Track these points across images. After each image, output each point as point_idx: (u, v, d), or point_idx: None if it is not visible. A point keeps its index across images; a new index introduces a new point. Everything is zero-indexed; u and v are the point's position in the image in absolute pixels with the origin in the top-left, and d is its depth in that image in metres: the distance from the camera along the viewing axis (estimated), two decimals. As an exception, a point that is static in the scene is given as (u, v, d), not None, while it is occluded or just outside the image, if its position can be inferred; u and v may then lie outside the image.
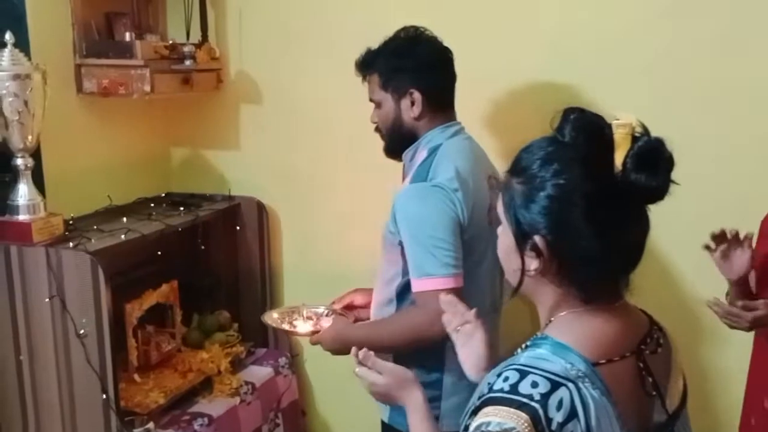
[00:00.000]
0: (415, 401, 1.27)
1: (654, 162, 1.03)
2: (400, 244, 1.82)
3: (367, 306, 2.12)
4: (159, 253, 2.45)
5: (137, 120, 2.72)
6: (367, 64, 1.95)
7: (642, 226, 1.07)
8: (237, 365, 2.57)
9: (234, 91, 2.75)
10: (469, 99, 2.03)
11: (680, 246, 2.14)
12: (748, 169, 2.14)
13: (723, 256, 1.83)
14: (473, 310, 1.41)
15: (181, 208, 2.56)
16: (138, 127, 2.73)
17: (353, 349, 1.39)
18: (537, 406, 0.96)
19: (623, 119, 1.05)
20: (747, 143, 2.13)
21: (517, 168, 1.10)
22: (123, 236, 2.20)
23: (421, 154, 1.90)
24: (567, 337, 1.05)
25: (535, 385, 0.98)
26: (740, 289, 1.84)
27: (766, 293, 1.81)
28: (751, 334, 1.95)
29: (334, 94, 2.57)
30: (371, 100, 1.97)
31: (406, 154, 1.95)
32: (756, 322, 1.76)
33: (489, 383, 1.03)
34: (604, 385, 1.00)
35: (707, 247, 1.84)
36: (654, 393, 1.08)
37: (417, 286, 1.78)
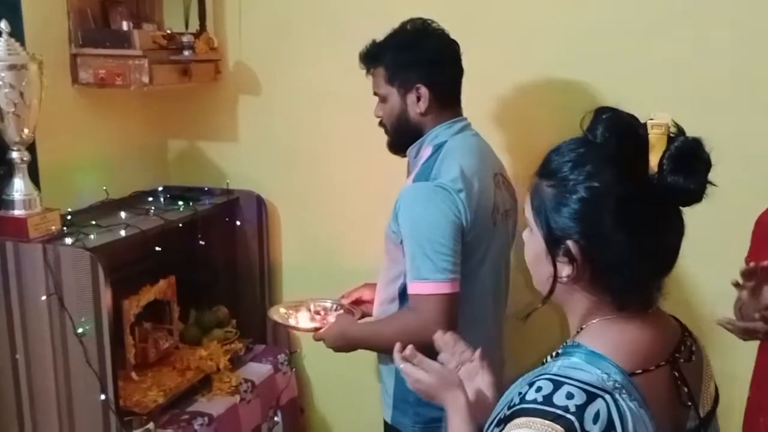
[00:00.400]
0: (457, 403, 1.23)
1: (692, 163, 0.99)
2: (402, 243, 1.79)
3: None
4: (157, 248, 2.40)
5: (134, 111, 2.65)
6: (373, 57, 1.90)
7: (677, 229, 1.04)
8: (236, 362, 2.53)
9: (232, 82, 2.69)
10: (477, 94, 1.99)
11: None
12: None
13: (752, 293, 1.68)
14: (478, 351, 1.36)
15: (180, 202, 2.50)
16: (135, 119, 2.67)
17: (397, 346, 1.36)
18: (573, 418, 0.92)
19: (658, 119, 1.01)
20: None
21: (546, 170, 1.06)
22: (122, 232, 2.14)
23: (426, 151, 1.87)
24: (600, 346, 1.01)
25: (570, 396, 0.94)
26: None
27: None
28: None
29: (336, 86, 2.52)
30: (376, 93, 1.93)
31: (411, 150, 1.91)
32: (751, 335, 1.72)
33: (520, 392, 0.99)
34: (641, 396, 0.97)
35: (736, 284, 1.70)
36: (689, 403, 1.06)
37: (412, 288, 1.75)
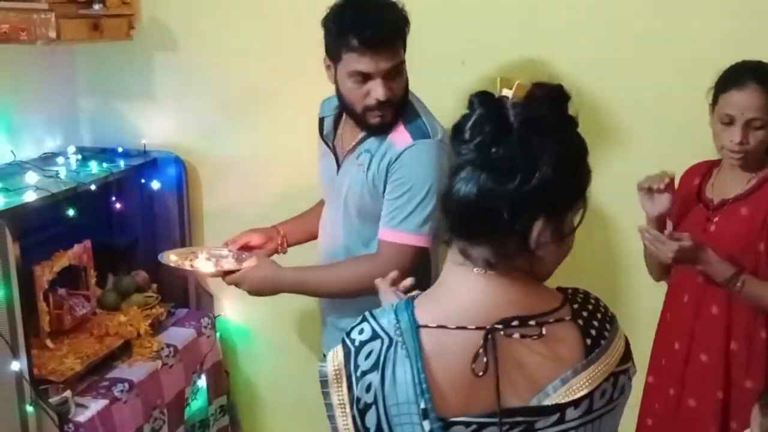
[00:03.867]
0: None
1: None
2: (383, 194, 1.85)
3: (263, 245, 2.15)
4: (70, 212, 2.30)
5: (41, 69, 2.53)
6: (399, 31, 1.83)
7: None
8: (157, 327, 2.48)
9: (147, 39, 2.59)
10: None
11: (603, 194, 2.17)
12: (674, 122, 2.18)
13: (648, 192, 1.89)
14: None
15: (93, 163, 2.41)
16: (42, 77, 2.54)
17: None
18: (352, 349, 1.03)
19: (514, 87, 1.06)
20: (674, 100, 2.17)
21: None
22: (31, 195, 2.05)
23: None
24: (423, 296, 1.08)
25: (361, 331, 1.05)
26: (658, 228, 1.90)
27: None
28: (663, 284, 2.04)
29: (257, 43, 2.46)
30: (392, 70, 1.80)
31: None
32: (679, 254, 1.82)
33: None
34: (416, 348, 0.98)
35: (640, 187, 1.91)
36: (481, 374, 0.98)
37: (388, 235, 1.83)
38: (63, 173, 2.29)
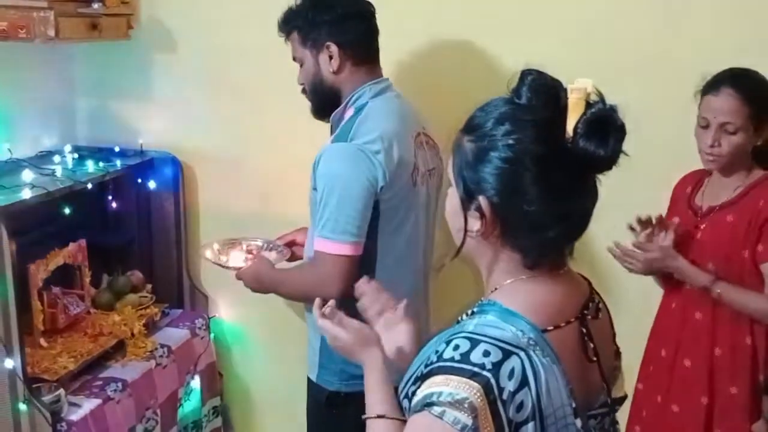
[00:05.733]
0: (374, 361, 1.22)
1: (604, 130, 1.00)
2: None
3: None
4: (66, 211, 2.30)
5: (39, 67, 2.53)
6: (287, 22, 1.93)
7: (589, 195, 1.05)
8: (151, 327, 2.47)
9: (145, 39, 2.59)
10: (400, 53, 1.99)
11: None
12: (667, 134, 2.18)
13: (647, 239, 1.91)
14: (403, 303, 1.36)
15: (89, 162, 2.40)
16: (40, 75, 2.54)
17: (317, 302, 1.34)
18: (489, 375, 0.94)
19: (578, 84, 1.02)
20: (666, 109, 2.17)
21: (469, 126, 1.07)
22: (27, 193, 2.04)
23: (348, 113, 1.89)
24: (514, 304, 1.03)
25: (486, 354, 0.95)
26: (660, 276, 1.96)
27: (703, 263, 1.89)
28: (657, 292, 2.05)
29: (253, 44, 2.46)
30: (294, 59, 1.95)
31: (335, 115, 1.92)
32: (649, 264, 1.89)
33: (437, 351, 1.00)
34: (553, 352, 1.00)
35: (631, 228, 1.94)
36: (594, 359, 1.09)
37: (317, 244, 1.81)
38: (59, 172, 2.29)
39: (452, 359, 0.96)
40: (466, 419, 0.92)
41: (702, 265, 1.87)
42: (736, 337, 1.87)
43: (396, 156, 1.80)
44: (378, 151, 1.76)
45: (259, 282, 1.98)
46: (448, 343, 0.99)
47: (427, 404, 0.95)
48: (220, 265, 2.16)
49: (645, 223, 1.93)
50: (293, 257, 2.16)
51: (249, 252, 2.14)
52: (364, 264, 1.78)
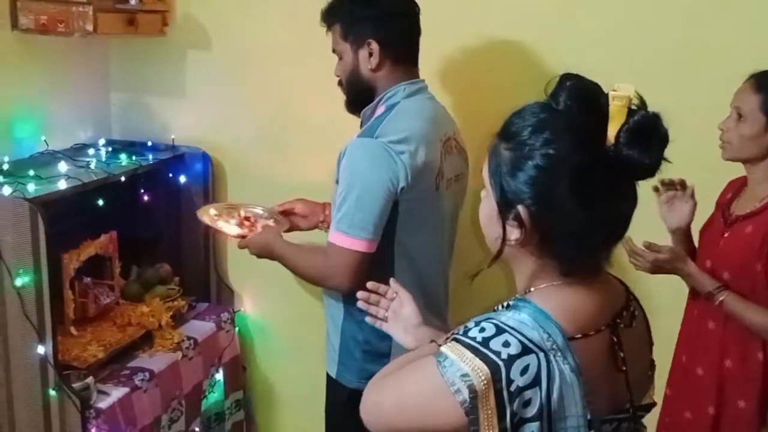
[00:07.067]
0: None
1: (648, 138, 0.99)
2: None
3: (306, 216, 2.23)
4: (99, 202, 2.34)
5: (77, 61, 2.57)
6: (331, 14, 1.92)
7: (630, 200, 1.04)
8: (178, 320, 2.51)
9: (180, 36, 2.63)
10: (437, 54, 1.99)
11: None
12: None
13: (668, 202, 1.92)
14: (392, 282, 1.43)
15: (123, 156, 2.45)
16: (77, 69, 2.59)
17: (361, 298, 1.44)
18: (501, 364, 0.95)
19: (621, 90, 1.01)
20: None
21: (506, 133, 1.05)
22: (62, 184, 2.09)
23: (380, 110, 1.88)
24: (547, 307, 1.03)
25: (507, 344, 0.97)
26: (681, 242, 1.93)
27: (719, 271, 1.87)
28: (682, 302, 2.03)
29: (286, 42, 2.49)
30: (334, 51, 1.94)
31: (366, 111, 1.91)
32: (656, 265, 1.86)
33: (466, 327, 1.02)
34: (575, 362, 0.99)
35: (655, 189, 1.93)
36: (624, 368, 1.07)
37: (331, 235, 1.81)
38: (93, 164, 2.33)
39: (474, 339, 0.98)
40: (464, 393, 0.95)
41: (718, 274, 1.85)
42: (747, 351, 1.84)
43: (421, 158, 1.79)
44: (403, 152, 1.76)
45: (268, 251, 1.99)
46: (477, 323, 1.01)
47: (438, 359, 0.99)
48: (217, 229, 2.20)
49: (668, 184, 1.92)
50: (291, 227, 2.21)
51: (246, 219, 2.16)
52: (379, 264, 1.78)
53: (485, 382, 0.94)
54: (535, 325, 1.00)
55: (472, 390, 0.94)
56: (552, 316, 1.01)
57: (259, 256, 2.03)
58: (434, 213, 1.89)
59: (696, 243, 1.99)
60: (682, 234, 1.95)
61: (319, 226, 2.24)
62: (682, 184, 1.93)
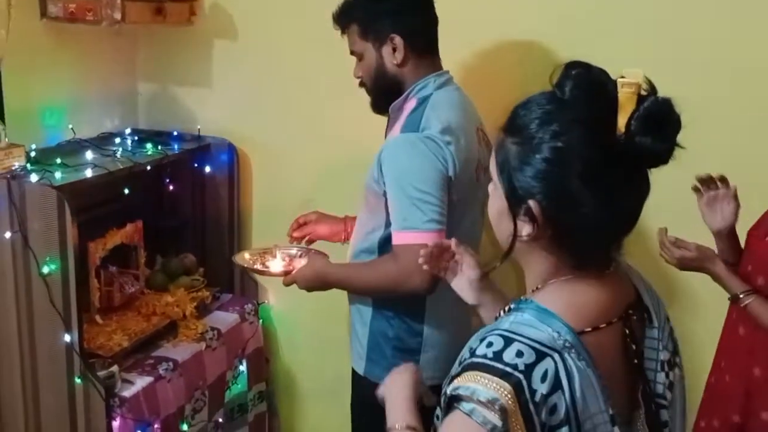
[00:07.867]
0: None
1: (660, 124, 0.96)
2: (385, 195, 1.77)
3: (331, 237, 2.17)
4: (125, 191, 2.35)
5: (104, 50, 2.58)
6: (345, 15, 1.87)
7: (642, 190, 1.01)
8: (202, 310, 2.51)
9: (208, 25, 2.62)
10: (454, 45, 1.96)
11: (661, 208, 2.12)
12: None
13: (709, 204, 1.82)
14: (452, 241, 1.41)
15: (149, 145, 2.45)
16: (105, 58, 2.59)
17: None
18: (521, 376, 0.92)
19: (629, 77, 0.97)
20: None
21: (512, 126, 1.02)
22: (89, 172, 2.09)
23: (411, 103, 1.84)
24: (552, 304, 1.00)
25: (520, 354, 0.93)
26: (725, 244, 1.84)
27: (755, 276, 1.81)
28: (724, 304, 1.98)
29: (313, 34, 2.44)
30: (352, 52, 1.89)
31: (394, 106, 1.88)
32: (682, 262, 1.81)
33: (471, 348, 0.98)
34: (589, 355, 0.97)
35: (695, 189, 1.84)
36: (636, 361, 1.05)
37: (398, 238, 1.73)
38: (119, 153, 2.33)
39: (485, 356, 0.94)
40: (495, 420, 0.90)
41: (753, 278, 1.78)
42: None
43: (465, 149, 1.75)
44: (450, 142, 1.71)
45: (321, 280, 1.91)
46: (482, 340, 0.97)
47: (457, 400, 0.94)
48: (257, 271, 2.13)
49: (706, 181, 1.83)
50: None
51: (282, 261, 2.10)
52: None
53: (510, 398, 0.91)
54: (542, 325, 0.97)
55: (503, 411, 0.91)
56: (555, 313, 0.99)
57: (309, 289, 1.93)
58: (473, 205, 1.85)
59: (743, 244, 1.92)
60: (726, 236, 1.86)
61: (342, 241, 2.19)
62: (722, 180, 1.83)
